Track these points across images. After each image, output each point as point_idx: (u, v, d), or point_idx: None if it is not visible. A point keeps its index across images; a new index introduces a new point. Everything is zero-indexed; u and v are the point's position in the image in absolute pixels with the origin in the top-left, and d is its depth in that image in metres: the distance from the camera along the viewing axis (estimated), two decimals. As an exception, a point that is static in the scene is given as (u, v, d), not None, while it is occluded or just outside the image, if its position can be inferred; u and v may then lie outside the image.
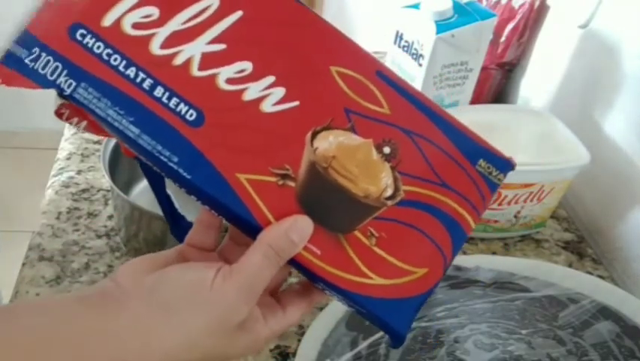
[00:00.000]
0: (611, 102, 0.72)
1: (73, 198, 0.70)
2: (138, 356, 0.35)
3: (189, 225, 0.47)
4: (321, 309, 0.56)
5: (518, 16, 0.84)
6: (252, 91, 0.35)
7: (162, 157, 0.34)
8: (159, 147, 0.34)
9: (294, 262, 0.37)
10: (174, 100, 0.34)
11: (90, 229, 0.66)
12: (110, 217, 0.68)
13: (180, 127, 0.34)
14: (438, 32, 0.66)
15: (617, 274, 0.69)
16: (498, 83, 0.90)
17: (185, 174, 0.34)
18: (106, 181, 0.71)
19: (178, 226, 0.52)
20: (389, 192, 0.37)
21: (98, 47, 0.34)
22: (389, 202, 0.37)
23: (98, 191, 0.72)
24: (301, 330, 0.57)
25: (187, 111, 0.34)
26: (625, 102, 0.70)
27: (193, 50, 0.35)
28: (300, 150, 0.36)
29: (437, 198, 0.38)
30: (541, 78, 0.86)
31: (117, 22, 0.34)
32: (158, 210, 0.57)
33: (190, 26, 0.35)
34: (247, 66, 0.35)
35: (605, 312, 0.56)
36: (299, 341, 0.55)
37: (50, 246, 0.64)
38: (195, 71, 0.35)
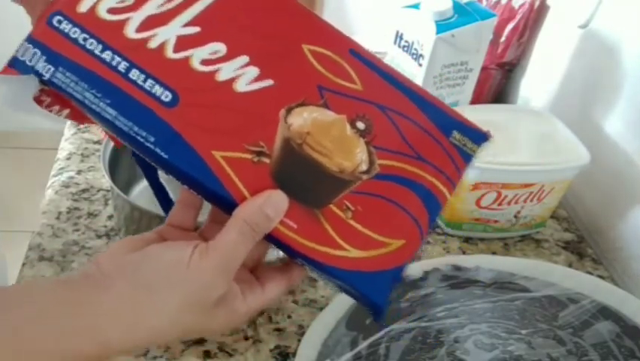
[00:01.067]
0: (611, 102, 0.72)
1: (73, 198, 0.70)
2: (123, 334, 0.36)
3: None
4: (321, 309, 0.56)
5: (518, 16, 0.84)
6: (226, 71, 0.36)
7: (139, 138, 0.35)
8: (136, 128, 0.35)
9: (272, 238, 0.37)
10: (149, 82, 0.35)
11: (90, 229, 0.66)
12: (110, 217, 0.68)
13: (156, 108, 0.35)
14: (438, 32, 0.66)
15: (617, 274, 0.69)
16: (498, 83, 0.90)
17: (162, 153, 0.35)
18: (106, 181, 0.71)
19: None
20: (364, 166, 0.37)
21: (75, 33, 0.35)
22: (364, 176, 0.37)
23: (98, 191, 0.72)
24: (301, 330, 0.57)
25: (162, 92, 0.35)
26: (625, 102, 0.70)
27: (168, 34, 0.36)
28: (275, 127, 0.36)
29: (412, 171, 0.38)
30: (541, 78, 0.86)
31: (93, 8, 0.35)
32: (158, 210, 0.57)
33: (164, 10, 0.36)
34: (221, 47, 0.36)
35: (605, 312, 0.56)
36: (299, 341, 0.55)
37: (50, 246, 0.64)
38: (170, 54, 0.36)
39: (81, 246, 0.64)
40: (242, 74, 0.36)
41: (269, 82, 0.37)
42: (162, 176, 0.46)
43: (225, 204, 0.37)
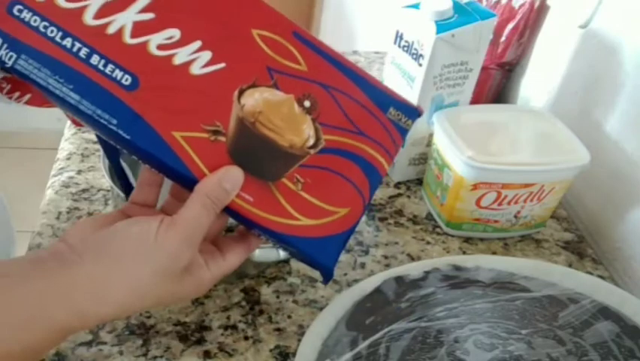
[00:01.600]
0: (611, 102, 0.72)
1: (73, 198, 0.70)
2: (97, 306, 0.37)
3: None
4: (321, 309, 0.56)
5: (518, 16, 0.84)
6: (181, 55, 0.38)
7: (102, 120, 0.37)
8: (99, 111, 0.37)
9: (231, 211, 0.40)
10: (110, 67, 0.37)
11: (90, 229, 0.66)
12: (110, 217, 0.68)
13: (117, 92, 0.37)
14: (438, 32, 0.65)
15: (617, 274, 0.69)
16: (498, 83, 0.90)
17: (124, 134, 0.37)
18: (106, 181, 0.71)
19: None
20: (311, 141, 0.41)
21: (35, 21, 0.36)
22: (312, 151, 0.41)
23: (98, 191, 0.72)
24: (301, 330, 0.57)
25: (122, 76, 0.37)
26: (625, 102, 0.70)
27: (124, 20, 0.37)
28: (229, 107, 0.39)
29: (354, 145, 0.42)
30: (541, 78, 0.86)
31: None
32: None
33: None
34: (175, 33, 0.38)
35: (605, 312, 0.56)
36: (299, 341, 0.55)
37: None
38: (128, 39, 0.37)
39: (81, 246, 0.64)
40: (196, 58, 0.39)
41: (221, 65, 0.39)
42: (124, 160, 0.50)
43: (186, 181, 0.39)
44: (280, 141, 0.40)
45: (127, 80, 0.37)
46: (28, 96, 0.41)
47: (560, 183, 0.67)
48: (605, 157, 0.71)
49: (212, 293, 0.60)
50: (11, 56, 0.36)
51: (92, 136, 0.81)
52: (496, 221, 0.69)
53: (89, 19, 0.37)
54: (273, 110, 0.40)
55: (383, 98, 0.43)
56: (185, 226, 0.39)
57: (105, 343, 0.55)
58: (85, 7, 0.37)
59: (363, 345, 0.52)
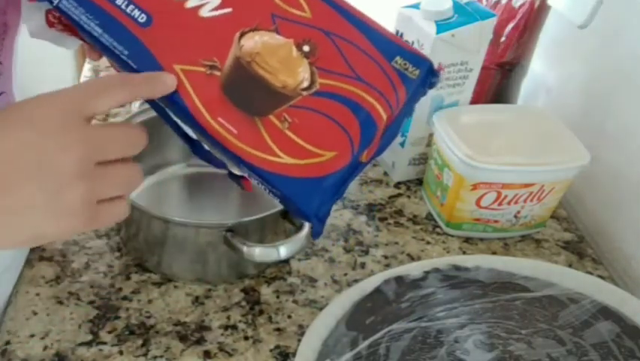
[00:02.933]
0: (611, 102, 0.72)
1: (73, 198, 0.70)
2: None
3: (207, 151, 0.54)
4: (321, 309, 0.56)
5: (518, 16, 0.84)
6: (194, 0, 0.43)
7: (116, 51, 0.42)
8: (115, 43, 0.42)
9: (214, 140, 0.42)
10: (130, 7, 0.42)
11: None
12: (110, 217, 0.68)
13: (133, 28, 0.42)
14: (438, 32, 0.65)
15: (618, 274, 0.69)
16: (498, 83, 0.90)
17: (133, 64, 0.42)
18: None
19: (197, 148, 0.57)
20: (305, 84, 0.42)
21: None
22: (304, 93, 0.42)
23: (98, 191, 0.72)
24: (301, 330, 0.57)
25: (139, 15, 0.42)
26: (625, 102, 0.70)
27: None
28: (229, 48, 0.42)
29: (351, 90, 0.42)
30: (541, 78, 0.86)
31: None
32: (158, 210, 0.57)
33: None
34: None
35: (605, 312, 0.56)
36: (299, 341, 0.55)
37: (50, 246, 0.64)
38: None
39: (81, 246, 0.64)
40: (206, 3, 0.43)
41: (228, 10, 0.43)
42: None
43: (179, 109, 0.42)
44: (273, 80, 0.41)
45: (142, 17, 0.42)
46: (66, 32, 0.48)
47: (559, 183, 0.67)
48: (605, 157, 0.71)
49: (212, 293, 0.60)
50: None
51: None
52: (496, 221, 0.69)
53: None
54: (270, 52, 0.42)
55: (390, 47, 0.43)
56: (100, 80, 0.39)
57: (105, 343, 0.55)
58: None
59: (363, 345, 0.52)
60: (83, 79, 0.95)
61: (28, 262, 0.62)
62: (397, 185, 0.78)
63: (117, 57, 0.42)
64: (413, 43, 0.69)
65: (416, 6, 0.68)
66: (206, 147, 0.58)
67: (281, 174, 0.41)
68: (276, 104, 0.42)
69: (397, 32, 0.71)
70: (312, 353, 0.52)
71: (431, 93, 0.70)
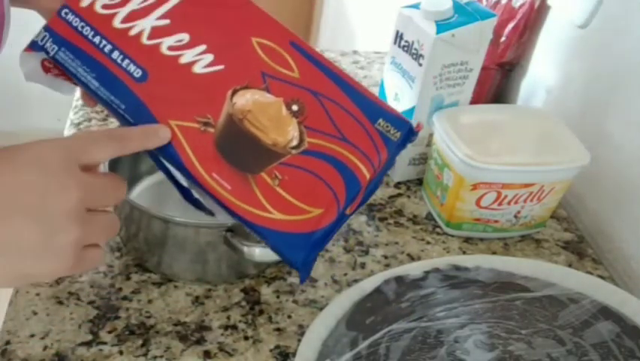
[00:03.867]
0: (611, 102, 0.72)
1: (73, 198, 0.70)
2: None
3: (196, 199, 0.57)
4: (321, 309, 0.56)
5: (518, 16, 0.84)
6: (187, 56, 0.44)
7: (114, 105, 0.43)
8: (112, 97, 0.43)
9: (208, 193, 0.43)
10: (126, 61, 0.44)
11: (90, 229, 0.66)
12: (110, 217, 0.68)
13: (129, 82, 0.43)
14: (438, 32, 0.65)
15: (618, 274, 0.69)
16: (498, 83, 0.90)
17: (129, 118, 0.43)
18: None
19: (187, 194, 0.58)
20: (294, 142, 0.44)
21: (76, 22, 0.44)
22: (294, 151, 0.44)
23: (98, 191, 0.72)
24: (301, 330, 0.57)
25: (135, 70, 0.43)
26: (625, 102, 0.70)
27: (145, 24, 0.44)
28: (222, 105, 0.43)
29: (337, 150, 0.44)
30: (541, 78, 0.86)
31: (92, 4, 0.45)
32: (158, 210, 0.57)
33: (144, 6, 0.45)
34: (185, 37, 0.44)
35: (605, 312, 0.56)
36: (299, 341, 0.55)
37: (50, 246, 0.64)
38: (145, 40, 0.44)
39: (81, 246, 0.64)
40: (200, 59, 0.44)
41: (221, 67, 0.44)
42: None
43: (175, 163, 0.44)
44: (264, 138, 0.43)
45: (138, 72, 0.43)
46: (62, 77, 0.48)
47: (559, 183, 0.67)
48: (605, 157, 0.71)
49: (212, 293, 0.60)
50: (54, 48, 0.44)
51: (92, 136, 0.81)
52: (496, 221, 0.69)
53: (117, 23, 0.44)
54: (261, 110, 0.43)
55: (373, 109, 0.45)
56: (77, 138, 0.40)
57: (105, 343, 0.55)
58: (116, 13, 0.44)
59: (363, 345, 0.52)
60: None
61: (28, 262, 0.62)
62: (397, 185, 0.78)
63: (114, 110, 0.44)
64: (413, 43, 0.69)
65: (416, 6, 0.68)
66: (195, 195, 0.60)
67: (271, 228, 0.43)
68: (267, 161, 0.44)
69: (397, 32, 0.71)
70: (312, 353, 0.52)
71: (431, 93, 0.70)
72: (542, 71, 0.86)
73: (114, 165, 0.62)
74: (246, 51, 0.45)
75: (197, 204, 0.60)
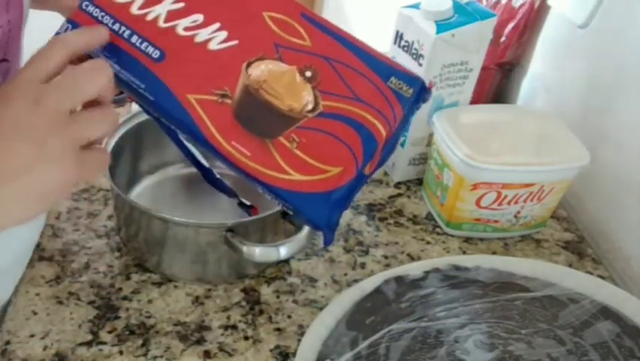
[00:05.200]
0: (611, 102, 0.72)
1: (73, 198, 0.70)
2: None
3: (217, 178, 0.62)
4: (321, 309, 0.56)
5: (518, 16, 0.84)
6: (202, 35, 0.46)
7: (134, 85, 0.45)
8: (132, 78, 0.45)
9: (229, 162, 0.45)
10: (144, 44, 0.45)
11: (90, 229, 0.66)
12: (110, 217, 0.68)
13: (147, 63, 0.45)
14: (438, 32, 0.65)
15: (617, 274, 0.69)
16: (498, 83, 0.90)
17: (149, 96, 0.45)
18: (106, 181, 0.71)
19: (208, 176, 0.63)
20: (310, 106, 0.45)
21: (96, 12, 0.46)
22: (309, 115, 0.45)
23: (98, 191, 0.72)
24: (301, 330, 0.57)
25: (153, 51, 0.45)
26: (625, 102, 0.70)
27: (160, 9, 0.46)
28: (238, 77, 0.45)
29: (352, 110, 0.45)
30: (541, 78, 0.86)
31: None
32: (158, 210, 0.57)
33: None
34: (199, 17, 0.46)
35: (605, 312, 0.56)
36: (299, 341, 0.55)
37: (50, 246, 0.64)
38: (161, 24, 0.46)
39: (81, 246, 0.64)
40: (214, 37, 0.46)
41: (235, 42, 0.46)
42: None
43: (194, 135, 0.45)
44: (280, 105, 0.45)
45: (156, 53, 0.45)
46: None
47: (559, 183, 0.67)
48: (605, 157, 0.71)
49: (212, 293, 0.60)
50: None
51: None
52: (496, 221, 0.69)
53: (134, 10, 0.46)
54: (276, 79, 0.45)
55: (385, 69, 0.47)
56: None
57: (105, 343, 0.55)
58: (133, 1, 0.46)
59: (363, 345, 0.52)
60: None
61: (29, 262, 0.62)
62: (397, 185, 0.78)
63: (135, 90, 0.46)
64: (413, 43, 0.69)
65: (416, 6, 0.68)
66: (217, 174, 0.64)
67: (293, 190, 0.44)
68: (284, 126, 0.45)
69: (397, 32, 0.71)
70: (312, 353, 0.52)
71: (431, 93, 0.70)
72: (542, 71, 0.86)
73: (114, 166, 0.62)
74: (259, 25, 0.47)
75: (218, 185, 0.63)
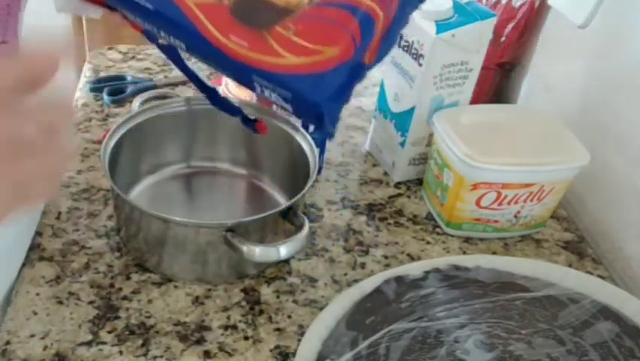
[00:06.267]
0: (612, 102, 0.72)
1: (73, 198, 0.70)
2: None
3: (222, 98, 0.63)
4: (321, 309, 0.56)
5: (518, 16, 0.84)
6: None
7: None
8: None
9: (227, 57, 0.45)
10: None
11: (90, 229, 0.66)
12: (110, 217, 0.68)
13: None
14: (438, 32, 0.65)
15: (617, 274, 0.69)
16: (498, 83, 0.90)
17: (148, 5, 0.46)
18: (106, 181, 0.71)
19: (213, 97, 0.62)
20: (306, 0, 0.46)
21: None
22: (306, 6, 0.45)
23: (98, 191, 0.72)
24: (301, 330, 0.57)
25: None
26: (625, 102, 0.70)
27: None
28: None
29: None
30: (541, 78, 0.86)
31: None
32: (158, 210, 0.57)
33: None
34: None
35: (605, 312, 0.56)
36: (299, 341, 0.55)
37: (50, 246, 0.64)
38: None
39: (81, 246, 0.64)
40: None
41: None
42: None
43: (195, 41, 0.46)
44: (277, 0, 0.45)
45: None
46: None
47: (559, 183, 0.67)
48: (605, 157, 0.71)
49: (212, 293, 0.60)
50: None
51: (92, 136, 0.81)
52: (496, 221, 0.69)
53: None
54: None
55: None
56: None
57: (105, 343, 0.55)
58: None
59: (363, 345, 0.52)
60: (82, 78, 0.95)
61: (29, 262, 0.62)
62: (397, 185, 0.78)
63: (134, 4, 0.46)
64: (413, 43, 0.69)
65: (416, 6, 0.68)
66: (221, 93, 0.64)
67: (290, 73, 0.44)
68: (281, 17, 0.45)
69: (397, 32, 0.71)
70: (312, 353, 0.52)
71: (431, 93, 0.70)
72: (542, 71, 0.86)
73: (114, 166, 0.62)
74: None
75: (223, 104, 0.64)
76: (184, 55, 0.53)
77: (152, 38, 0.50)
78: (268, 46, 0.45)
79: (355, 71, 0.45)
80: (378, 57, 0.47)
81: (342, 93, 0.46)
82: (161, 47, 0.53)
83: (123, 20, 0.50)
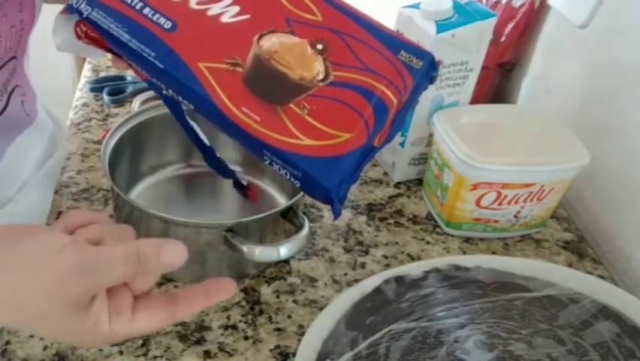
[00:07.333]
0: (611, 102, 0.72)
1: (73, 198, 0.70)
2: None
3: (218, 158, 0.62)
4: (321, 309, 0.56)
5: (518, 16, 0.84)
6: (215, 9, 0.47)
7: (144, 53, 0.46)
8: (142, 47, 0.46)
9: (238, 128, 0.45)
10: (157, 15, 0.46)
11: (90, 229, 0.66)
12: (110, 217, 0.68)
13: (159, 33, 0.46)
14: (438, 32, 0.65)
15: (618, 274, 0.69)
16: (498, 83, 0.90)
17: (159, 64, 0.46)
18: (106, 181, 0.71)
19: (209, 156, 0.63)
20: (321, 76, 0.46)
21: None
22: (320, 83, 0.45)
23: (98, 191, 0.72)
24: (301, 330, 0.57)
25: (165, 22, 0.46)
26: (625, 102, 0.70)
27: None
28: (249, 49, 0.46)
29: (362, 80, 0.46)
30: (541, 78, 0.86)
31: None
32: (158, 210, 0.57)
33: None
34: None
35: (605, 312, 0.56)
36: (299, 341, 0.55)
37: (50, 246, 0.64)
38: None
39: (81, 246, 0.64)
40: (226, 11, 0.47)
41: (247, 16, 0.47)
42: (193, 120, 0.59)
43: (205, 105, 0.45)
44: (291, 74, 0.45)
45: (168, 24, 0.46)
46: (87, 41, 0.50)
47: (560, 183, 0.67)
48: (605, 157, 0.71)
49: (212, 293, 0.60)
50: (87, 9, 0.47)
51: (93, 136, 0.81)
52: (496, 221, 0.69)
53: None
54: (287, 50, 0.46)
55: (395, 43, 0.47)
56: (92, 256, 0.35)
57: (105, 343, 0.55)
58: None
59: (363, 345, 0.52)
60: (82, 79, 0.95)
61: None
62: (397, 185, 0.78)
63: (144, 60, 0.46)
64: (413, 43, 0.69)
65: (416, 6, 0.68)
66: (218, 154, 0.64)
67: (302, 154, 0.44)
68: (295, 94, 0.45)
69: (397, 32, 0.71)
70: (312, 353, 0.52)
71: (431, 93, 0.70)
72: (542, 71, 0.86)
73: (114, 166, 0.62)
74: (271, 1, 0.48)
75: (217, 166, 0.64)
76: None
77: (156, 89, 0.49)
78: (281, 124, 0.44)
79: (365, 155, 0.45)
80: (387, 139, 0.47)
81: (352, 176, 0.45)
82: (165, 98, 0.52)
83: (128, 67, 0.50)
